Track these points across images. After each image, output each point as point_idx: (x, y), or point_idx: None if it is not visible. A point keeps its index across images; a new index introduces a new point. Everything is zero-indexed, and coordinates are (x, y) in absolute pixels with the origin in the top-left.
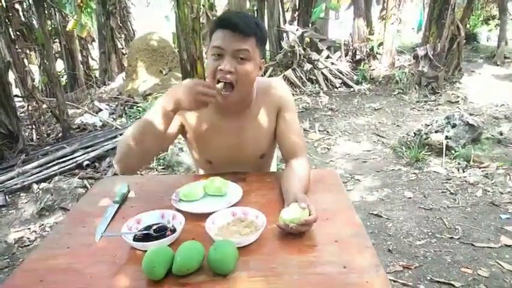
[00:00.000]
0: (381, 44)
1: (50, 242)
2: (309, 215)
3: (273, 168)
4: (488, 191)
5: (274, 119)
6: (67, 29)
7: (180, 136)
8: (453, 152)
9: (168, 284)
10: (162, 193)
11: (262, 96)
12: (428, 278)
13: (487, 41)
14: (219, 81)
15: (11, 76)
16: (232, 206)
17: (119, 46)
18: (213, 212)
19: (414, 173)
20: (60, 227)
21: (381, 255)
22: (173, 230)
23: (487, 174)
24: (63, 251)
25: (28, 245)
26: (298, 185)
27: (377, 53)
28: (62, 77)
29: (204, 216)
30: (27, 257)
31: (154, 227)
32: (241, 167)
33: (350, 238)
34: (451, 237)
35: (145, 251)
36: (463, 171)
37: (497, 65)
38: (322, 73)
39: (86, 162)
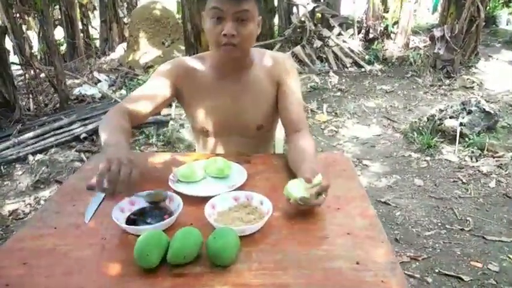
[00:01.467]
0: (395, 23)
1: (36, 221)
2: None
3: (279, 149)
4: (502, 182)
5: (275, 91)
6: None
7: (182, 113)
8: (467, 139)
9: (162, 274)
10: (159, 172)
11: (265, 66)
12: (437, 270)
13: (507, 24)
14: (224, 44)
15: (9, 43)
16: (235, 189)
17: (121, 15)
18: (214, 196)
19: (425, 160)
20: (49, 204)
21: None
22: (170, 214)
23: (501, 164)
24: (50, 230)
25: (22, 218)
26: (310, 155)
27: (391, 32)
28: (61, 45)
29: (204, 199)
30: (11, 236)
31: (149, 209)
32: (238, 137)
33: (363, 231)
34: (462, 229)
35: (138, 235)
36: (477, 160)
37: None
38: (333, 51)
39: (83, 135)
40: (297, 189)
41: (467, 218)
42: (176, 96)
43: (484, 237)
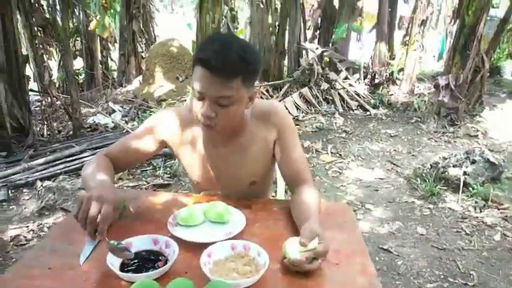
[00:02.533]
0: (401, 69)
1: (31, 259)
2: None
3: (280, 196)
4: (508, 236)
5: (271, 147)
6: (89, 28)
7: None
8: (471, 189)
9: None
10: (159, 213)
11: (257, 121)
12: None
13: (511, 75)
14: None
15: (29, 70)
16: (233, 237)
17: (139, 49)
18: (211, 243)
19: (428, 208)
20: (46, 242)
21: None
22: (165, 260)
23: (506, 216)
24: (43, 271)
25: (24, 244)
26: (312, 214)
27: (396, 78)
28: (80, 75)
29: (201, 245)
30: (1, 276)
31: (145, 254)
32: (230, 192)
33: None
34: (465, 284)
35: (132, 282)
36: (480, 211)
37: None
38: (339, 94)
39: None
40: (293, 249)
41: (471, 272)
42: (166, 148)
43: None
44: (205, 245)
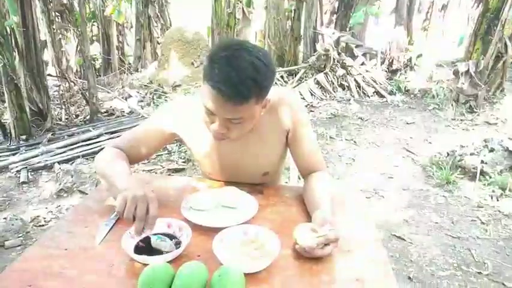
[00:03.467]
0: (419, 55)
1: (48, 240)
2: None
3: (292, 182)
4: None
5: (284, 138)
6: (105, 14)
7: None
8: (488, 178)
9: None
10: (173, 197)
11: (271, 112)
12: None
13: None
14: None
15: (47, 54)
16: (245, 222)
17: (155, 35)
18: (224, 228)
19: (443, 196)
20: (62, 223)
21: (400, 282)
22: (178, 242)
23: None
24: (60, 252)
25: (43, 225)
26: (325, 201)
27: (415, 64)
28: (97, 60)
29: (214, 230)
30: (21, 255)
31: (158, 237)
32: (242, 182)
33: (374, 279)
34: (479, 272)
35: (146, 264)
36: (497, 200)
37: None
38: (355, 80)
39: None
40: (304, 235)
41: (486, 261)
42: (177, 139)
43: (504, 284)
44: (217, 230)
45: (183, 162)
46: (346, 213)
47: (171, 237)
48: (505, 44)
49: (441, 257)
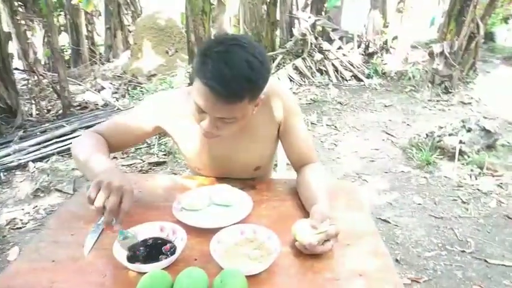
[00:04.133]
0: (395, 37)
1: (32, 252)
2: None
3: (280, 171)
4: (503, 203)
5: (275, 131)
6: (72, 2)
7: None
8: (466, 157)
9: None
10: (163, 198)
11: (261, 106)
12: None
13: (505, 40)
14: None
15: (12, 47)
16: (241, 220)
17: (125, 23)
18: (219, 228)
19: (424, 177)
20: (46, 233)
21: None
22: (173, 247)
23: (501, 183)
24: (47, 264)
25: (20, 228)
26: (321, 195)
27: (390, 47)
28: (66, 51)
29: (209, 231)
30: (3, 271)
31: (152, 242)
32: (233, 178)
33: (376, 272)
34: (463, 251)
35: (140, 272)
36: (476, 179)
37: None
38: (333, 64)
39: None
40: (304, 232)
41: (468, 240)
42: (161, 132)
43: (486, 261)
44: (213, 230)
45: (164, 155)
46: (341, 205)
47: (164, 241)
48: (477, 24)
49: (426, 237)
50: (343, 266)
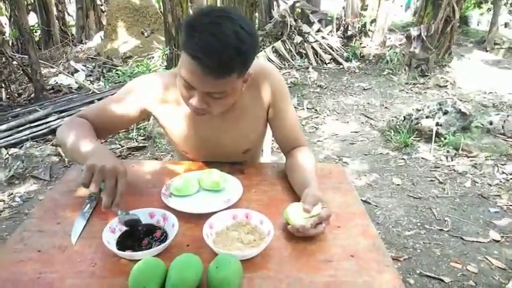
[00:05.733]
0: (373, 20)
1: (17, 242)
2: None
3: (266, 155)
4: (477, 182)
5: (265, 114)
6: None
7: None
8: (443, 139)
9: None
10: (151, 184)
11: (250, 86)
12: (418, 271)
13: (478, 25)
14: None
15: None
16: (232, 205)
17: (98, 2)
18: (210, 213)
19: (402, 159)
20: (30, 222)
21: None
22: (164, 233)
23: (475, 164)
24: (33, 254)
25: None
26: (312, 178)
27: (369, 29)
28: (35, 32)
29: (200, 216)
30: None
31: (141, 228)
32: (221, 160)
33: (367, 253)
34: (441, 229)
35: (132, 260)
36: (452, 160)
37: (487, 51)
38: (313, 47)
39: None
40: (296, 216)
41: (446, 218)
42: (149, 116)
43: (462, 238)
44: (204, 216)
45: (143, 139)
46: (330, 188)
47: (155, 228)
48: (453, 8)
49: (405, 217)
50: (335, 247)
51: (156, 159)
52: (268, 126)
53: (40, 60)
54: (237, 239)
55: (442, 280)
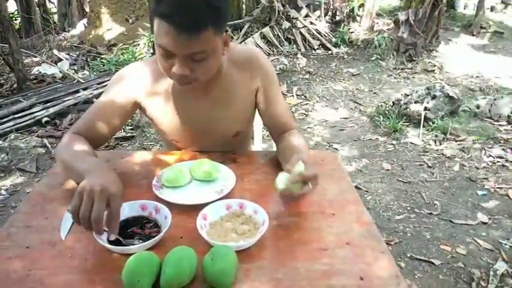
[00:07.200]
0: (361, 5)
1: (4, 238)
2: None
3: (257, 143)
4: (465, 166)
5: (253, 97)
6: None
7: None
8: (431, 123)
9: None
10: (141, 175)
11: (238, 69)
12: (409, 255)
13: (464, 8)
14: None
15: None
16: (225, 195)
17: None
18: (203, 204)
19: (392, 144)
20: (17, 217)
21: None
22: (156, 226)
23: (463, 148)
24: (21, 251)
25: None
26: (299, 152)
27: (357, 14)
28: (15, 20)
29: (193, 207)
30: None
31: (133, 221)
32: (212, 146)
33: (362, 240)
34: (430, 213)
35: (124, 254)
36: (440, 144)
37: (473, 35)
38: (301, 33)
39: (45, 119)
40: (281, 180)
41: (435, 202)
42: (138, 109)
43: (451, 221)
44: (197, 207)
45: (131, 129)
46: (323, 175)
47: (147, 220)
48: None
49: (395, 202)
50: (330, 235)
51: (145, 149)
52: (258, 113)
53: (22, 49)
54: (232, 229)
55: (432, 263)
